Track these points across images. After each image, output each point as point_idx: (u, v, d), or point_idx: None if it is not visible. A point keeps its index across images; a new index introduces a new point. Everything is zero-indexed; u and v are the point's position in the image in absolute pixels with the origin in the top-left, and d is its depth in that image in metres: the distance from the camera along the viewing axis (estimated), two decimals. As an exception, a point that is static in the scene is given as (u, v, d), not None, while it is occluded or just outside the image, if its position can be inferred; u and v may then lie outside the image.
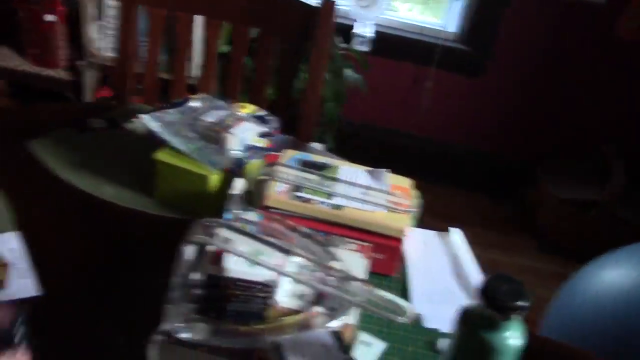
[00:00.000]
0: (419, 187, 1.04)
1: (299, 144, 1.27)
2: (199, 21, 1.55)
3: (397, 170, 1.05)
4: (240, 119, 1.07)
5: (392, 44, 2.71)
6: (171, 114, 1.05)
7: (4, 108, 2.42)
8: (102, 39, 2.42)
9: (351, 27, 2.44)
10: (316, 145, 1.49)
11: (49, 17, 2.37)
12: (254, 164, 1.03)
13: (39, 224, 0.92)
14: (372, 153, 2.45)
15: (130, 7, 1.43)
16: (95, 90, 2.52)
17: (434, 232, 1.09)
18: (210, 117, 1.05)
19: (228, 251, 0.72)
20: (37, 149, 1.08)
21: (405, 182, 1.03)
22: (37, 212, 0.95)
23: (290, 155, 1.04)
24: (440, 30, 2.70)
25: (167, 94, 2.08)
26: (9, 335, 0.48)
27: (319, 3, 1.37)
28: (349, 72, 2.42)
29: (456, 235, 1.07)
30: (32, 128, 1.15)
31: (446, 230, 1.09)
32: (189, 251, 0.72)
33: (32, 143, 1.10)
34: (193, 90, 1.92)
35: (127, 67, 1.48)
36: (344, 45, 2.42)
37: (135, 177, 1.05)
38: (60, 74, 2.50)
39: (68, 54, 2.51)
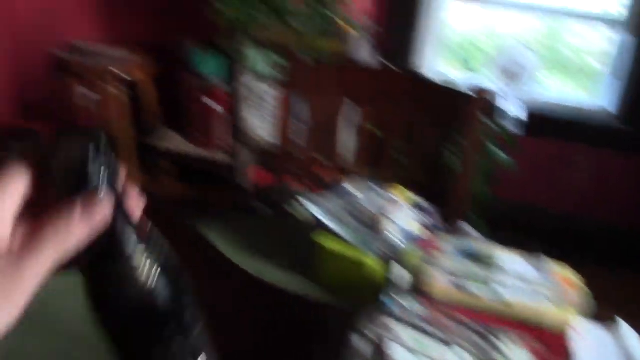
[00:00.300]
0: (577, 270, 0.98)
1: (454, 230, 1.26)
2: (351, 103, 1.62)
3: (551, 251, 1.01)
4: (397, 205, 1.08)
5: (541, 122, 2.65)
6: (329, 199, 1.09)
7: (177, 190, 2.61)
8: (259, 124, 2.58)
9: (500, 105, 2.42)
10: (468, 229, 1.46)
11: (213, 104, 2.58)
12: (412, 251, 1.02)
13: (207, 302, 0.98)
14: (524, 233, 2.36)
15: (289, 94, 1.51)
16: (250, 172, 2.67)
17: (601, 324, 1.01)
18: (367, 203, 1.08)
19: (391, 340, 0.71)
20: (207, 230, 1.16)
21: (566, 270, 0.98)
22: (207, 292, 1.01)
23: (447, 242, 1.03)
24: (593, 108, 2.60)
25: (321, 177, 2.14)
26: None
27: (471, 87, 1.38)
28: (497, 151, 2.38)
29: (627, 330, 0.99)
30: (201, 209, 1.23)
31: (612, 318, 1.01)
32: (354, 340, 0.72)
33: (203, 224, 1.18)
34: (345, 172, 1.97)
35: (284, 150, 1.56)
36: (491, 124, 2.39)
37: (297, 261, 1.08)
38: (219, 156, 2.68)
39: (227, 137, 2.70)
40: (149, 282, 0.44)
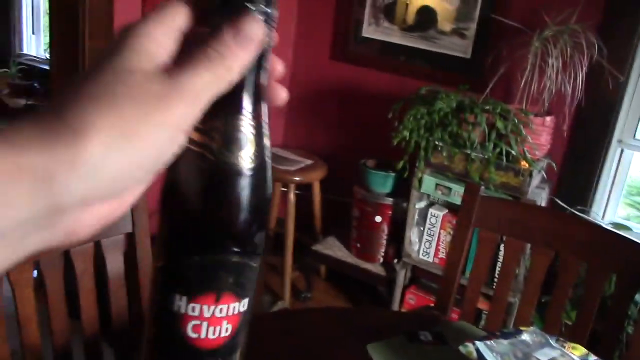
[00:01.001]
0: None
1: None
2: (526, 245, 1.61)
3: None
4: (573, 362, 1.05)
5: None
6: (503, 345, 1.08)
7: (351, 309, 2.70)
8: (419, 243, 2.62)
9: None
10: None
11: (378, 218, 2.67)
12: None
13: None
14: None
15: (468, 228, 1.54)
16: (404, 288, 2.69)
17: None
18: (542, 356, 1.06)
19: None
20: (373, 352, 1.19)
21: None
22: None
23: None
24: None
25: (482, 311, 2.12)
26: None
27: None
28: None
29: None
30: (371, 330, 1.27)
31: None
32: None
33: (369, 346, 1.21)
34: (508, 311, 1.93)
35: (453, 280, 1.57)
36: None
37: (459, 400, 1.08)
38: (376, 268, 2.74)
39: (387, 252, 2.75)
40: (254, 158, 0.40)
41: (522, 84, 2.30)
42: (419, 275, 2.77)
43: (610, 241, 1.44)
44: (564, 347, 1.11)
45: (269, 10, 0.38)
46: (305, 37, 3.12)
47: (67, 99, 0.32)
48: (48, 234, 0.32)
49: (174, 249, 0.42)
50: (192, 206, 0.41)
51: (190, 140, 0.38)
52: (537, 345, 1.10)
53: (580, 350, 1.13)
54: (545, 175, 2.47)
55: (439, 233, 2.55)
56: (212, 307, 0.42)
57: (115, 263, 1.35)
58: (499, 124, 2.24)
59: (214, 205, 0.41)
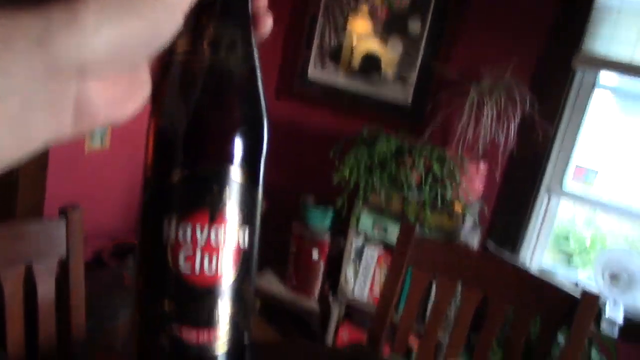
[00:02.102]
0: None
1: None
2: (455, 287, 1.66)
3: None
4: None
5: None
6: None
7: (281, 344, 2.68)
8: (354, 281, 2.65)
9: (601, 309, 2.37)
10: None
11: (315, 255, 2.69)
12: None
13: None
14: None
15: (402, 266, 1.59)
16: (338, 324, 2.71)
17: None
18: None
19: None
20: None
21: None
22: None
23: None
24: None
25: (412, 349, 2.14)
26: None
27: (580, 291, 1.40)
28: (594, 354, 2.30)
29: None
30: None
31: None
32: None
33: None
34: (438, 347, 1.97)
35: (385, 316, 1.61)
36: (594, 327, 2.34)
37: None
38: (312, 304, 2.75)
39: (322, 287, 2.77)
40: (242, 58, 0.40)
41: (459, 130, 2.39)
42: (353, 312, 2.79)
43: (536, 285, 1.51)
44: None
45: None
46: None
47: None
48: (55, 114, 0.31)
49: (162, 166, 0.39)
50: (179, 111, 0.39)
51: (176, 46, 0.38)
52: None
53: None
54: (477, 219, 2.56)
55: (374, 271, 2.59)
56: (206, 229, 0.38)
57: (46, 288, 1.32)
58: (436, 168, 2.32)
59: (203, 109, 0.39)
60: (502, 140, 2.35)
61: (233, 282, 0.39)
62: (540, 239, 2.70)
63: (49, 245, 1.30)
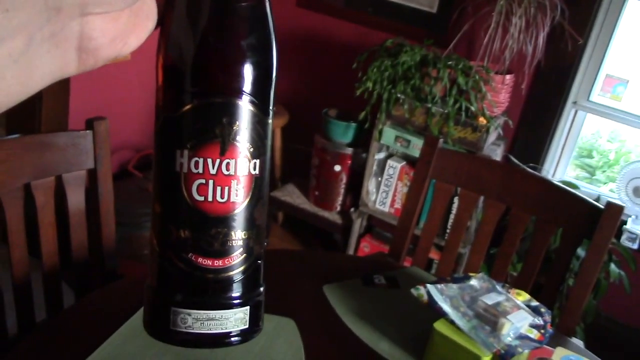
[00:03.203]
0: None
1: (564, 340, 1.27)
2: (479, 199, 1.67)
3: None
4: (516, 307, 1.12)
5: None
6: (452, 289, 1.14)
7: (307, 251, 2.73)
8: (376, 194, 2.67)
9: (624, 222, 2.38)
10: (578, 342, 1.45)
11: (337, 168, 2.70)
12: (524, 355, 1.05)
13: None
14: (627, 353, 2.27)
15: (425, 178, 1.59)
16: (359, 237, 2.76)
17: None
18: (489, 300, 1.12)
19: None
20: (329, 293, 1.24)
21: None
22: (320, 349, 1.08)
23: (561, 354, 1.05)
24: None
25: (433, 261, 2.18)
26: None
27: (602, 201, 1.40)
28: (612, 267, 2.33)
29: None
30: (327, 273, 1.32)
31: None
32: None
33: (325, 287, 1.26)
34: (458, 261, 2.00)
35: (408, 228, 1.63)
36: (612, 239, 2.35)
37: (409, 339, 1.14)
38: (333, 216, 2.79)
39: (344, 201, 2.81)
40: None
41: (485, 41, 2.33)
42: (375, 225, 2.84)
43: (559, 197, 1.51)
44: (509, 293, 1.18)
45: None
46: (272, -19, 3.07)
47: None
48: (59, 52, 0.31)
49: (172, 96, 0.39)
50: (186, 41, 0.38)
51: None
52: (484, 290, 1.16)
53: (524, 296, 1.20)
54: (501, 132, 2.53)
55: (396, 184, 2.61)
56: (217, 161, 0.38)
57: (76, 198, 1.35)
58: (461, 80, 2.28)
59: (213, 37, 0.38)
60: (529, 51, 2.29)
61: (245, 208, 0.40)
62: (565, 152, 2.68)
63: (77, 157, 1.32)
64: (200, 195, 0.39)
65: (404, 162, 2.61)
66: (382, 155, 2.65)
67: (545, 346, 1.08)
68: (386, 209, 2.66)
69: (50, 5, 0.28)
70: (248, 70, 0.39)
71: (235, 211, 0.40)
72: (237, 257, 0.41)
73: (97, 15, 0.32)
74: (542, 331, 1.11)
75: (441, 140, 1.60)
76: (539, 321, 1.13)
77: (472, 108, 2.29)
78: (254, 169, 0.40)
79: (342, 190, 2.78)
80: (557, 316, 1.69)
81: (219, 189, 0.39)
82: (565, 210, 1.49)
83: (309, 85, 3.11)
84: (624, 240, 2.37)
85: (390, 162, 2.61)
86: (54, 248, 1.33)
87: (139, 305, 0.47)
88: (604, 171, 3.10)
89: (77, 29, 0.31)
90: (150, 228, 0.42)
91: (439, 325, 1.07)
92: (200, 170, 0.38)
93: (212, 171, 0.38)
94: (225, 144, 0.38)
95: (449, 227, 2.36)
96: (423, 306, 1.13)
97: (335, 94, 2.91)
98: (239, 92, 0.38)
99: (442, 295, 1.11)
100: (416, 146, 2.42)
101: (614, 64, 2.55)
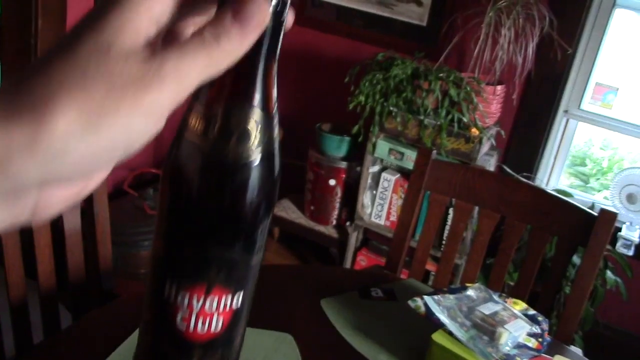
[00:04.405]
0: None
1: (562, 348, 1.27)
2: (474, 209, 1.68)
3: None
4: (514, 316, 1.12)
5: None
6: (449, 300, 1.14)
7: (303, 266, 2.73)
8: (372, 207, 2.68)
9: (618, 229, 2.39)
10: (576, 350, 1.46)
11: (332, 182, 2.71)
12: (523, 364, 1.06)
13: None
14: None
15: (419, 190, 1.60)
16: (356, 250, 2.76)
17: None
18: (486, 309, 1.12)
19: None
20: (326, 307, 1.24)
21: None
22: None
23: (560, 362, 1.05)
24: None
25: (430, 273, 2.18)
26: None
27: (596, 208, 1.41)
28: (608, 274, 2.34)
29: None
30: (324, 287, 1.32)
31: None
32: None
33: (323, 301, 1.26)
34: (454, 272, 2.00)
35: (404, 241, 1.63)
36: (607, 246, 2.36)
37: (407, 351, 1.14)
38: (329, 231, 2.79)
39: (340, 214, 2.81)
40: (248, 155, 0.38)
41: (476, 53, 2.35)
42: (371, 238, 2.84)
43: (553, 205, 1.51)
44: (506, 302, 1.18)
45: None
46: (263, -2, 3.09)
47: (32, 75, 0.29)
48: (12, 211, 0.31)
49: (167, 237, 0.41)
50: (185, 195, 0.39)
51: (188, 125, 0.37)
52: (481, 300, 1.17)
53: (521, 305, 1.20)
54: (494, 143, 2.55)
55: (391, 197, 2.62)
56: (202, 299, 0.41)
57: (72, 219, 1.35)
58: (452, 92, 2.30)
59: (207, 197, 0.39)
60: (519, 61, 2.31)
61: (224, 334, 0.43)
62: (557, 161, 2.69)
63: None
64: (183, 324, 0.42)
65: (399, 175, 2.62)
66: (376, 168, 2.66)
67: (543, 355, 1.08)
68: (382, 221, 2.66)
69: (7, 189, 0.29)
70: (241, 227, 0.41)
71: (214, 339, 0.43)
72: None
73: (54, 186, 0.32)
74: (540, 340, 1.12)
75: (434, 152, 1.61)
76: (536, 330, 1.13)
77: (464, 119, 2.30)
78: (237, 304, 0.43)
79: (337, 204, 2.79)
80: (555, 324, 1.70)
81: (200, 321, 0.42)
82: (559, 219, 1.50)
83: (302, 100, 3.12)
84: (619, 247, 2.38)
85: (384, 174, 2.62)
86: (50, 269, 1.33)
87: (137, 325, 0.48)
88: (597, 179, 3.12)
89: (35, 199, 0.31)
90: (139, 336, 0.46)
91: (437, 337, 1.07)
92: (185, 304, 0.41)
93: (196, 307, 0.41)
94: (210, 286, 0.41)
95: (444, 238, 2.37)
96: (420, 318, 1.13)
97: (328, 108, 2.92)
98: (229, 245, 0.41)
99: (439, 307, 1.11)
100: (410, 158, 2.43)
101: (604, 72, 2.58)
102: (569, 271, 2.05)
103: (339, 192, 2.75)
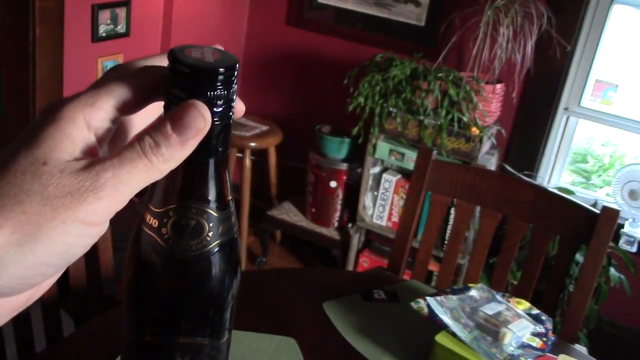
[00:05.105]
0: None
1: (567, 347, 1.26)
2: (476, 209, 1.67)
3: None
4: (517, 316, 1.12)
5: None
6: (452, 300, 1.14)
7: (305, 269, 2.73)
8: (373, 208, 2.67)
9: (621, 226, 2.38)
10: (581, 349, 1.45)
11: (333, 184, 2.71)
12: (527, 364, 1.05)
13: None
14: (632, 358, 2.26)
15: (420, 191, 1.59)
16: (358, 252, 2.75)
17: None
18: (489, 310, 1.12)
19: None
20: (329, 310, 1.24)
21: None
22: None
23: (565, 361, 1.05)
24: None
25: (432, 273, 2.18)
26: None
27: (598, 206, 1.41)
28: (612, 271, 2.33)
29: None
30: (326, 289, 1.32)
31: None
32: None
33: (325, 304, 1.26)
34: (457, 272, 2.00)
35: (406, 241, 1.63)
36: (610, 243, 2.35)
37: (410, 353, 1.13)
38: (331, 233, 2.79)
39: (341, 216, 2.80)
40: (204, 246, 0.38)
41: (474, 52, 2.35)
42: (373, 239, 2.83)
43: (555, 204, 1.51)
44: (509, 302, 1.17)
45: (224, 92, 0.35)
46: (261, 1, 3.10)
47: None
48: None
49: (130, 323, 0.42)
50: (143, 286, 0.40)
51: (144, 221, 0.38)
52: (484, 300, 1.16)
53: (524, 304, 1.20)
54: (494, 142, 2.54)
55: (392, 198, 2.61)
56: None
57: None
58: (452, 91, 2.29)
59: (164, 289, 0.39)
60: (518, 59, 2.31)
61: None
62: (559, 158, 2.68)
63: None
64: None
65: (399, 176, 2.61)
66: (377, 169, 2.65)
67: (548, 354, 1.08)
68: (383, 223, 2.66)
69: None
70: (201, 316, 0.41)
71: None
72: None
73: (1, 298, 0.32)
74: (544, 339, 1.11)
75: (435, 152, 1.61)
76: (540, 329, 1.13)
77: (464, 119, 2.30)
78: None
79: (338, 206, 2.78)
80: (559, 323, 1.69)
81: None
82: (561, 217, 1.49)
83: (302, 103, 3.12)
84: (622, 243, 2.37)
85: (385, 175, 2.61)
86: (51, 277, 1.32)
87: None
88: (599, 175, 3.11)
89: None
90: None
91: (441, 338, 1.07)
92: None
93: None
94: None
95: (446, 238, 2.36)
96: (423, 319, 1.13)
97: (327, 110, 2.92)
98: (190, 332, 0.41)
99: (442, 308, 1.11)
100: (410, 159, 2.42)
101: (603, 69, 2.57)
102: (572, 269, 2.05)
103: (340, 193, 2.75)
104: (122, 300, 0.42)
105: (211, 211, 0.38)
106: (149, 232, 0.38)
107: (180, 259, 0.38)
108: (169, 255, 0.38)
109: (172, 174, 0.34)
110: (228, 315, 0.42)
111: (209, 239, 0.38)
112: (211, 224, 0.38)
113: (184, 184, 0.37)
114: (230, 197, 0.39)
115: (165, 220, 0.37)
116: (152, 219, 0.38)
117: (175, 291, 0.40)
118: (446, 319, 1.08)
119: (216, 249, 0.38)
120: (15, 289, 0.31)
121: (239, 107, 0.39)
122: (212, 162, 0.37)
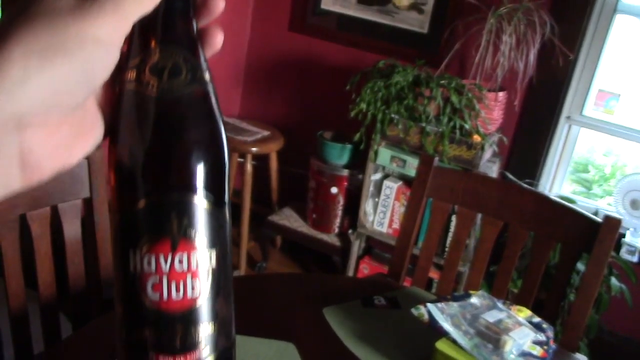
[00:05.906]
0: None
1: (568, 356, 1.26)
2: (477, 217, 1.66)
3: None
4: (518, 324, 1.11)
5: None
6: (453, 307, 1.13)
7: (306, 275, 2.72)
8: (374, 214, 2.67)
9: (622, 235, 2.37)
10: (581, 358, 1.44)
11: (334, 190, 2.70)
12: (528, 372, 1.04)
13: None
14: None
15: (422, 197, 1.59)
16: (358, 258, 2.74)
17: None
18: (490, 317, 1.11)
19: None
20: (329, 316, 1.23)
21: None
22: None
23: (566, 369, 1.04)
24: None
25: (433, 281, 2.16)
26: None
27: (600, 214, 1.40)
28: (613, 281, 2.32)
29: None
30: (327, 295, 1.31)
31: None
32: None
33: (325, 310, 1.25)
34: (458, 280, 1.99)
35: (406, 248, 1.62)
36: (611, 253, 2.35)
37: (411, 359, 1.13)
38: (332, 239, 2.78)
39: (342, 222, 2.80)
40: (188, 84, 0.38)
41: (477, 59, 2.35)
42: (373, 246, 2.83)
43: (556, 212, 1.50)
44: (510, 310, 1.17)
45: None
46: (264, 7, 3.10)
47: None
48: (1, 170, 0.31)
49: (121, 198, 0.39)
50: (133, 142, 0.38)
51: (124, 76, 0.38)
52: (485, 307, 1.15)
53: (525, 312, 1.19)
54: (496, 149, 2.54)
55: (393, 204, 2.61)
56: (170, 257, 0.38)
57: (72, 228, 1.34)
58: (454, 99, 2.29)
59: (154, 137, 0.38)
60: (521, 67, 2.31)
61: (204, 302, 0.39)
62: (560, 167, 2.68)
63: (73, 186, 1.32)
64: (155, 293, 0.38)
65: (401, 182, 2.61)
66: (378, 175, 2.65)
67: (548, 363, 1.07)
68: (384, 229, 2.65)
69: None
70: (197, 168, 0.38)
71: (193, 307, 0.39)
72: (200, 352, 0.39)
73: (35, 128, 0.32)
74: (545, 347, 1.10)
75: (436, 159, 1.60)
76: (541, 337, 1.12)
77: (466, 126, 2.29)
78: (210, 261, 0.39)
79: (339, 212, 2.78)
80: (560, 332, 1.68)
81: (173, 285, 0.38)
82: (563, 225, 1.49)
83: (303, 109, 3.12)
84: (624, 253, 2.36)
85: (386, 182, 2.61)
86: (50, 279, 1.32)
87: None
88: (600, 185, 3.10)
89: (16, 144, 0.31)
90: (114, 328, 0.41)
91: (441, 345, 1.06)
92: (153, 267, 0.37)
93: (165, 268, 0.38)
94: (175, 240, 0.38)
95: (447, 245, 2.35)
96: (424, 326, 1.12)
97: (329, 116, 2.92)
98: (188, 189, 0.38)
99: (442, 314, 1.10)
100: (412, 166, 2.42)
101: (606, 78, 2.57)
102: (574, 278, 2.04)
103: (341, 200, 2.75)
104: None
105: (192, 50, 0.39)
106: (129, 85, 0.37)
107: (172, 98, 0.38)
108: (161, 97, 0.37)
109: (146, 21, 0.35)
110: (227, 182, 0.41)
111: (194, 76, 0.38)
112: (189, 65, 0.38)
113: (163, 22, 0.38)
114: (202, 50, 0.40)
115: (142, 64, 0.37)
116: (129, 72, 0.37)
117: (164, 135, 0.38)
118: (447, 325, 1.08)
119: (202, 86, 0.39)
120: (39, 108, 0.31)
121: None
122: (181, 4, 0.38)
